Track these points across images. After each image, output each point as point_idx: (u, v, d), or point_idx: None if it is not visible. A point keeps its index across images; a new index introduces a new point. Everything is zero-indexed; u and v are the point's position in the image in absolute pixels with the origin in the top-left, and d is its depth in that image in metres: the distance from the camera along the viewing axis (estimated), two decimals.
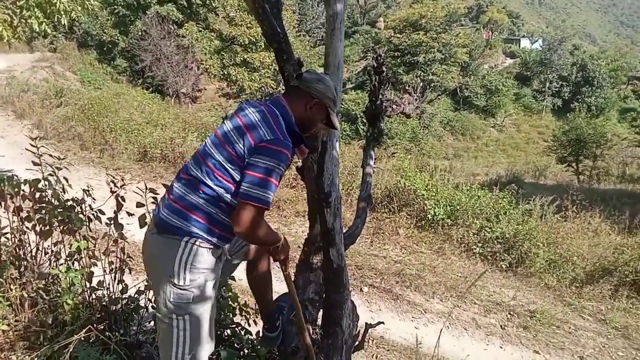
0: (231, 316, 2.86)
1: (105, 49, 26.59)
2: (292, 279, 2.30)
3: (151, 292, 2.49)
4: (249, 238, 1.93)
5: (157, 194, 2.47)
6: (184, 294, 1.84)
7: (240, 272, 2.48)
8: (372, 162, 2.79)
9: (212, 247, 1.89)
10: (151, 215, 2.00)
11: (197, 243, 1.84)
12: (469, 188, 8.26)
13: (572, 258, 6.72)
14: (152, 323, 2.78)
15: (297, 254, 2.75)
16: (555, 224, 7.63)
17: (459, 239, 7.17)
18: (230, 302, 2.86)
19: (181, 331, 1.88)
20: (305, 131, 2.05)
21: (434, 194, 7.77)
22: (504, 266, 6.70)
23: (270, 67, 24.60)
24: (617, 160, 22.69)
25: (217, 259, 1.95)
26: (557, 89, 42.79)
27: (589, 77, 41.00)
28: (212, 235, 1.87)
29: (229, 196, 1.85)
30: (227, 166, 1.83)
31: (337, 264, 2.28)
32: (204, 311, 1.92)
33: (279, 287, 2.46)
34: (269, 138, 1.82)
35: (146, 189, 2.43)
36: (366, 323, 2.65)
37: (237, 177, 1.83)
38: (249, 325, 2.89)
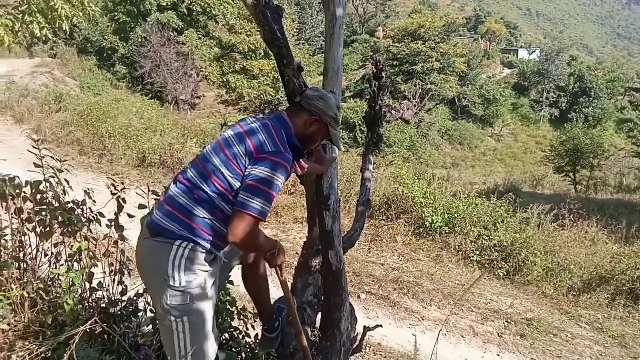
0: (229, 320, 2.87)
1: (105, 55, 26.77)
2: (291, 282, 2.31)
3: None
4: (245, 247, 1.89)
5: (158, 196, 2.49)
6: (181, 295, 1.82)
7: (238, 278, 2.49)
8: (371, 167, 2.82)
9: (204, 251, 1.86)
10: (144, 222, 1.97)
11: (190, 247, 1.82)
12: (466, 196, 8.28)
13: (569, 267, 6.73)
14: (150, 327, 2.78)
15: (295, 260, 2.76)
16: (552, 233, 7.64)
17: (457, 247, 7.19)
18: (228, 307, 2.87)
19: (181, 334, 1.86)
20: (305, 148, 2.04)
21: (432, 201, 7.79)
22: (501, 274, 6.70)
23: (269, 74, 24.75)
24: (615, 170, 22.79)
25: (213, 261, 1.92)
26: (554, 100, 43.12)
27: (587, 88, 41.34)
28: (205, 241, 1.84)
29: (224, 204, 1.83)
30: (224, 172, 1.82)
31: (336, 267, 2.30)
32: (204, 312, 1.89)
33: (276, 292, 2.46)
34: (271, 150, 1.82)
35: (149, 191, 2.45)
36: (365, 326, 2.67)
37: (235, 184, 1.81)
38: (247, 329, 2.90)
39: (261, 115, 2.03)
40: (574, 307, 6.13)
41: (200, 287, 1.86)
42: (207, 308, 1.91)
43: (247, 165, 1.81)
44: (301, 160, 2.09)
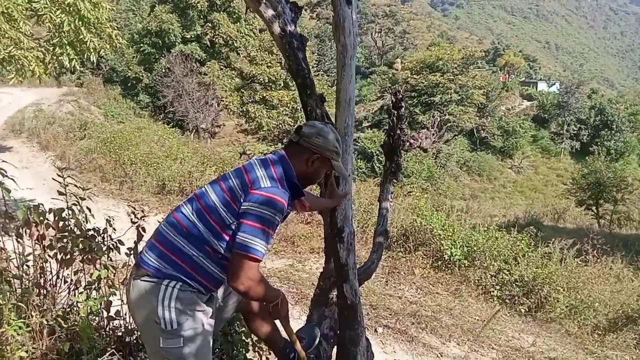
0: (244, 352, 2.83)
1: (129, 84, 27.60)
2: (307, 314, 2.28)
3: None
4: (247, 293, 1.79)
5: None
6: (173, 338, 1.76)
7: None
8: (389, 197, 2.80)
9: (195, 290, 1.81)
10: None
11: (178, 286, 1.77)
12: (486, 229, 8.13)
13: (593, 304, 6.51)
14: None
15: (312, 291, 2.72)
16: (575, 269, 7.43)
17: (476, 281, 7.02)
18: (243, 338, 2.83)
19: None
20: (309, 184, 2.03)
21: (450, 234, 7.66)
22: (522, 310, 6.51)
23: (288, 105, 25.09)
24: (639, 205, 22.26)
25: (208, 301, 1.87)
26: (575, 132, 42.75)
27: (608, 120, 40.92)
28: (193, 280, 1.79)
29: (214, 240, 1.79)
30: (218, 205, 1.79)
31: (351, 300, 2.26)
32: (199, 355, 1.82)
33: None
34: (267, 185, 1.79)
35: None
36: None
37: (227, 217, 1.78)
38: None
39: (264, 155, 2.04)
40: (600, 347, 5.89)
41: (195, 328, 1.80)
42: (204, 351, 1.84)
43: (242, 200, 1.77)
44: (302, 198, 2.05)
